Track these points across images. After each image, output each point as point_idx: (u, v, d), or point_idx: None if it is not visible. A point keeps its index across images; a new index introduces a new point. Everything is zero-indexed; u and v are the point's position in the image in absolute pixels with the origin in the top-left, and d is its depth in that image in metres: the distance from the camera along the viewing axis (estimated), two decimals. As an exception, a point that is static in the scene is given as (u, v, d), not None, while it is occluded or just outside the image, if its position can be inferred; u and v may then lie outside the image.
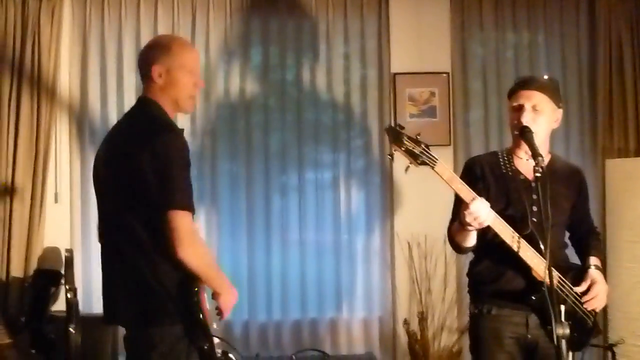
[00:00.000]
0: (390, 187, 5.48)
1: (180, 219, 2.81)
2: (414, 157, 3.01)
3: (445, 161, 5.22)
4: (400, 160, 5.28)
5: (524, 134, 3.26)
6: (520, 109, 3.33)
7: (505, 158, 3.45)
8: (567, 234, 3.62)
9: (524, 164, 3.40)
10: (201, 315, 2.88)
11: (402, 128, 3.02)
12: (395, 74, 5.48)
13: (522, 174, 3.38)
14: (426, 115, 5.48)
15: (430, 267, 5.31)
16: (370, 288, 5.49)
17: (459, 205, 3.22)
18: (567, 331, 2.79)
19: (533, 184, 3.30)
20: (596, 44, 5.57)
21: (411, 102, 5.47)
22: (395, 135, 3.00)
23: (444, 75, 5.51)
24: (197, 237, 2.91)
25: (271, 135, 5.51)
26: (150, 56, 3.07)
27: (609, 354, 4.60)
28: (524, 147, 3.33)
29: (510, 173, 3.39)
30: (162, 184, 2.82)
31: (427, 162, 3.01)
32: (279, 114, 5.52)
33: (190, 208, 2.86)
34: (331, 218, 5.50)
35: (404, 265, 5.40)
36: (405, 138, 2.99)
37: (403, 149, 3.00)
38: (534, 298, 3.19)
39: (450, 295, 5.34)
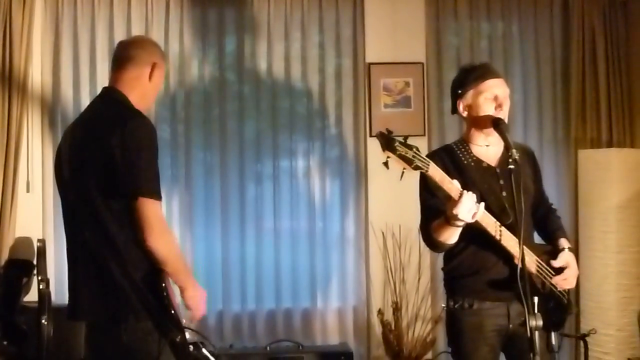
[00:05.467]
0: (364, 176, 5.48)
1: (151, 207, 2.75)
2: (408, 162, 2.89)
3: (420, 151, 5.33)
4: (373, 153, 5.28)
5: (498, 126, 3.21)
6: (496, 99, 3.28)
7: (462, 148, 3.38)
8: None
9: (484, 150, 3.35)
10: (172, 310, 2.81)
11: (391, 132, 2.90)
12: (370, 63, 5.47)
13: (484, 162, 3.33)
14: (401, 105, 5.47)
15: (404, 257, 5.32)
16: (344, 278, 5.49)
17: (433, 204, 3.20)
18: (540, 322, 2.78)
19: (497, 170, 3.29)
20: (570, 35, 5.59)
21: (386, 92, 5.47)
22: (387, 141, 2.88)
23: (419, 65, 5.51)
24: (166, 226, 2.84)
25: (246, 124, 5.49)
26: (154, 52, 3.09)
27: (581, 344, 4.65)
28: (482, 134, 3.31)
29: (472, 163, 3.33)
30: (131, 170, 2.75)
31: (421, 165, 2.91)
32: (253, 102, 5.49)
33: (159, 196, 2.80)
34: (306, 207, 5.49)
35: (378, 255, 5.41)
36: (397, 143, 2.88)
37: (397, 154, 2.88)
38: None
39: (424, 285, 5.35)
